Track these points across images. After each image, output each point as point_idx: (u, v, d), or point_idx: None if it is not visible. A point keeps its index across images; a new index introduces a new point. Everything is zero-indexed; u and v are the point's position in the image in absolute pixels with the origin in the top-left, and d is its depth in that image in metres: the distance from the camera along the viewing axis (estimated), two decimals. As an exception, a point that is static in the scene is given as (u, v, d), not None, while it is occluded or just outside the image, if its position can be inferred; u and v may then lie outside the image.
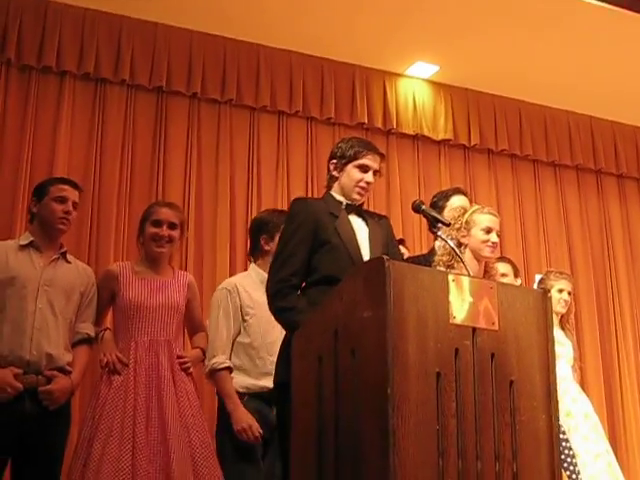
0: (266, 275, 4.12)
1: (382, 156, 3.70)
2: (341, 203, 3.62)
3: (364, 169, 3.60)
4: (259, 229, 4.42)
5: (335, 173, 3.67)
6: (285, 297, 3.43)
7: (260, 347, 4.22)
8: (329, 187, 3.71)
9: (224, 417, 4.12)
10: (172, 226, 4.15)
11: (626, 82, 7.18)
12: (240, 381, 4.18)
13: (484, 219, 3.82)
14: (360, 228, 3.60)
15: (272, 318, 3.65)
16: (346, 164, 3.63)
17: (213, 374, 4.17)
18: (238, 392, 4.15)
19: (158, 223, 4.13)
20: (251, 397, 4.16)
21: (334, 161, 3.68)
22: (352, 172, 3.61)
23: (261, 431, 4.07)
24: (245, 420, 4.06)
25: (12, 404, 3.58)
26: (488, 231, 3.79)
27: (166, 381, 3.87)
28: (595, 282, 7.65)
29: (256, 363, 4.21)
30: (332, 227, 3.50)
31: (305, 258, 3.47)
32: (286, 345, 3.49)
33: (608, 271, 7.77)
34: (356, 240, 3.51)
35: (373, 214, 3.83)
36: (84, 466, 3.66)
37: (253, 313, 4.25)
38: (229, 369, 4.16)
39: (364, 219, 3.65)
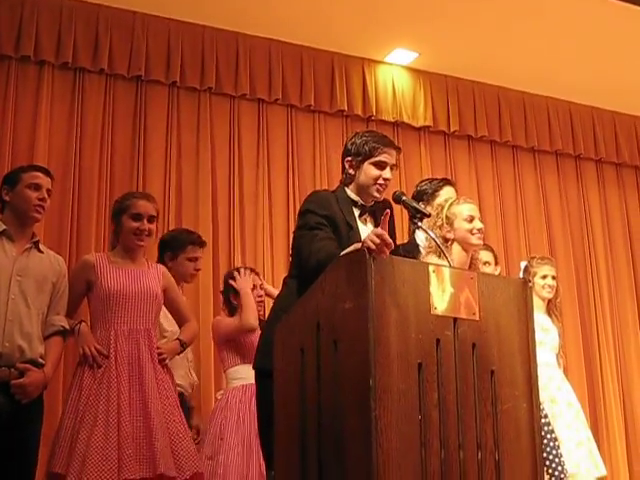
0: None
1: (398, 150, 3.58)
2: (355, 203, 3.51)
3: (381, 166, 3.47)
4: (164, 245, 4.74)
5: (351, 171, 3.52)
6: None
7: None
8: (345, 183, 3.57)
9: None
10: (151, 219, 4.12)
11: (604, 68, 7.20)
12: None
13: (464, 209, 3.81)
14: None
15: None
16: (362, 162, 3.49)
17: None
18: None
19: (138, 217, 4.07)
20: None
21: (349, 158, 3.54)
22: (369, 170, 3.47)
23: None
24: None
25: None
26: (471, 219, 3.79)
27: (147, 371, 3.85)
28: (575, 267, 7.69)
29: None
30: (346, 238, 3.33)
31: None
32: (265, 332, 3.52)
33: (587, 256, 7.81)
34: None
35: (380, 205, 3.60)
36: (69, 456, 3.64)
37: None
38: None
39: (375, 220, 3.51)
